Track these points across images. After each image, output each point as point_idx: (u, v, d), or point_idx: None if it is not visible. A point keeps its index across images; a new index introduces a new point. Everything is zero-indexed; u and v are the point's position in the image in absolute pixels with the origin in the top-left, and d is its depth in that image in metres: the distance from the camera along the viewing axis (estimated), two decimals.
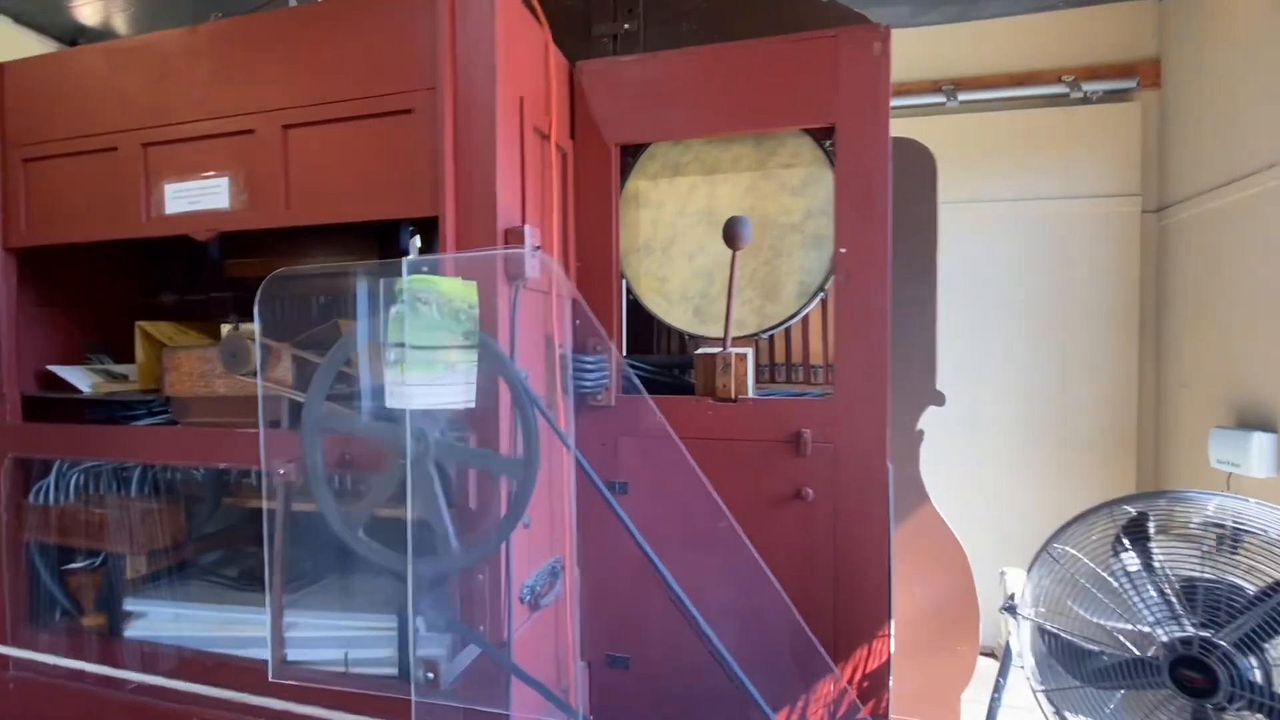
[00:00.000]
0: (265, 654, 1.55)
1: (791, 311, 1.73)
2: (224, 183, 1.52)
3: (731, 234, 1.60)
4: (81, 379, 1.82)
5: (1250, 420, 2.86)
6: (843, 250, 1.58)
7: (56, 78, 1.66)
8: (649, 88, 1.69)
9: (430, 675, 1.21)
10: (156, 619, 1.69)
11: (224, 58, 1.51)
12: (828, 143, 1.67)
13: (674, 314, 1.82)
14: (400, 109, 1.38)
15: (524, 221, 1.41)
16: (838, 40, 1.56)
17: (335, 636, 1.52)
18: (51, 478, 1.75)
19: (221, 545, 1.88)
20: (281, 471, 1.27)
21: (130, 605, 1.70)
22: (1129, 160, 3.60)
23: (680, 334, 1.91)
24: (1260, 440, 2.71)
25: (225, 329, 1.60)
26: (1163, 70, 3.59)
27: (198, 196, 1.54)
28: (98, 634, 1.72)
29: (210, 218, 1.53)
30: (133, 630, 1.69)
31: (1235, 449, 2.81)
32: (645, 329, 2.05)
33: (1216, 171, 3.15)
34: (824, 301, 1.88)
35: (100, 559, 1.76)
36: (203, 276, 2.13)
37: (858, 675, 1.58)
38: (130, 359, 2.07)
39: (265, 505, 1.37)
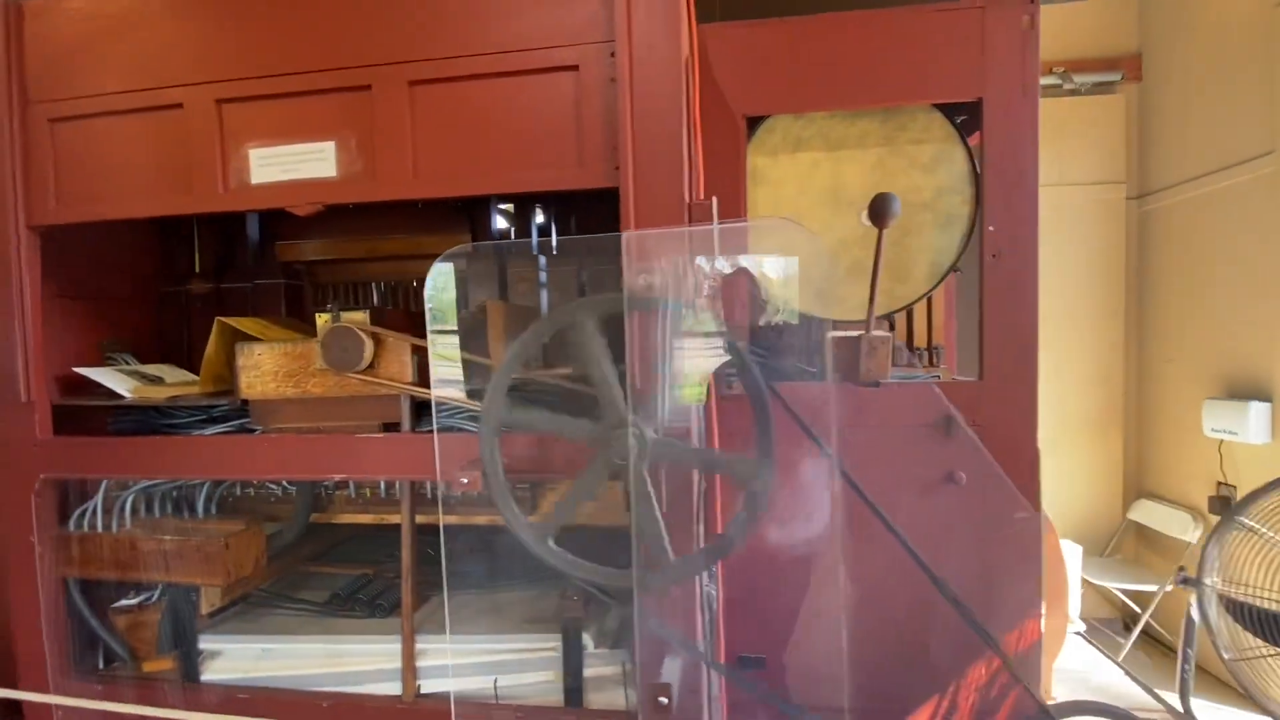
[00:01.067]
0: (389, 688, 1.37)
1: (921, 292, 1.69)
2: (329, 147, 1.30)
3: (880, 211, 1.53)
4: (115, 382, 1.54)
5: (1241, 391, 3.11)
6: (991, 228, 1.55)
7: (93, 18, 1.37)
8: (783, 54, 1.58)
9: (665, 700, 1.08)
10: (238, 658, 1.46)
11: None
12: (959, 118, 1.64)
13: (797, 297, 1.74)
14: (563, 65, 1.22)
15: (702, 196, 1.28)
16: (985, 12, 1.51)
17: (477, 663, 1.36)
18: (98, 501, 1.47)
19: (311, 567, 1.65)
20: (465, 481, 1.10)
21: (207, 643, 1.46)
22: (1114, 149, 3.82)
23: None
24: (1257, 409, 2.94)
25: (323, 319, 1.39)
26: (1143, 64, 3.82)
27: (294, 164, 1.31)
28: (164, 679, 1.46)
29: (313, 188, 1.31)
30: (213, 673, 1.45)
31: (1231, 418, 3.04)
32: None
33: (1198, 160, 3.39)
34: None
35: (156, 593, 1.50)
36: (239, 260, 1.86)
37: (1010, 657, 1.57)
38: (152, 357, 1.78)
39: (441, 519, 1.19)
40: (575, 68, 1.21)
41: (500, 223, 1.73)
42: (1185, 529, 3.20)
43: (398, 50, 1.26)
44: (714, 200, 1.22)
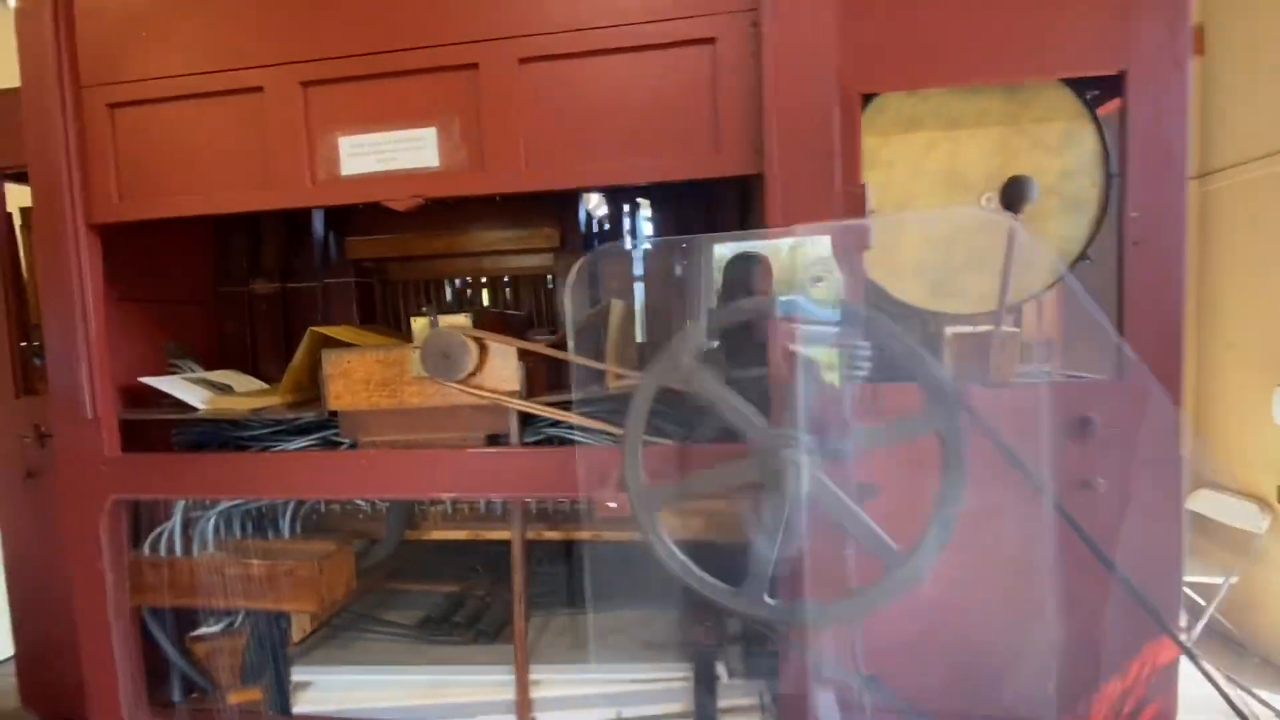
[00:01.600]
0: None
1: (1047, 282, 1.57)
2: (430, 134, 1.17)
3: (1015, 195, 1.41)
4: (185, 392, 1.42)
5: None
6: (1134, 214, 1.42)
7: None
8: (899, 26, 1.45)
9: None
10: (331, 688, 1.35)
11: None
12: (1089, 94, 1.51)
13: (904, 288, 1.62)
14: (696, 38, 1.09)
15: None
16: None
17: (597, 694, 1.26)
18: (175, 523, 1.36)
19: (395, 584, 1.54)
20: (612, 505, 0.99)
21: (301, 674, 1.36)
22: None
23: None
24: None
25: (419, 323, 1.27)
26: (1204, 37, 3.66)
27: (391, 152, 1.18)
28: (253, 711, 1.36)
29: (414, 180, 1.18)
30: (306, 704, 1.34)
31: None
32: None
33: (1264, 138, 3.25)
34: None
35: (239, 618, 1.40)
36: (304, 258, 1.73)
37: (1145, 671, 1.47)
38: (213, 361, 1.67)
39: (587, 537, 1.08)
40: (711, 40, 1.08)
41: (591, 214, 1.60)
42: (1253, 520, 3.11)
43: (507, 24, 1.13)
44: (867, 185, 1.10)
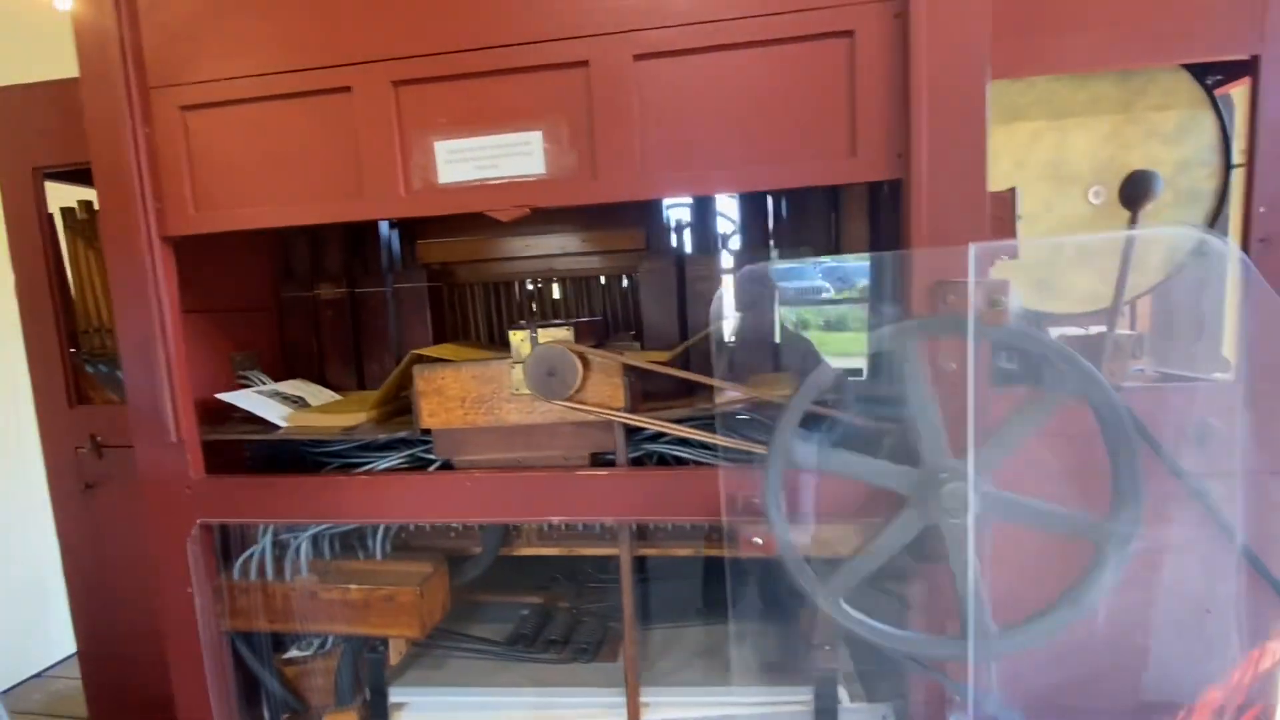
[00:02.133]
0: None
1: (1157, 280, 1.50)
2: (535, 138, 1.09)
3: (1138, 190, 1.33)
4: (264, 408, 1.36)
5: None
6: (1261, 209, 1.34)
7: None
8: (1012, 10, 1.35)
9: None
10: (428, 709, 1.32)
11: None
12: (1209, 79, 1.41)
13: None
14: (833, 30, 1.00)
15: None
16: None
17: (707, 716, 1.23)
18: (266, 546, 1.31)
19: (477, 595, 1.50)
20: (757, 541, 0.94)
21: (397, 695, 1.33)
22: None
23: None
24: None
25: (517, 337, 1.20)
26: None
27: (493, 158, 1.10)
28: None
29: (518, 189, 1.10)
30: None
31: None
32: None
33: None
34: None
35: (329, 641, 1.36)
36: (371, 261, 1.66)
37: (1248, 677, 1.45)
38: (277, 370, 1.60)
39: (728, 554, 1.03)
40: (849, 34, 0.99)
41: (677, 216, 1.52)
42: None
43: (620, 17, 1.03)
44: (1016, 190, 1.02)
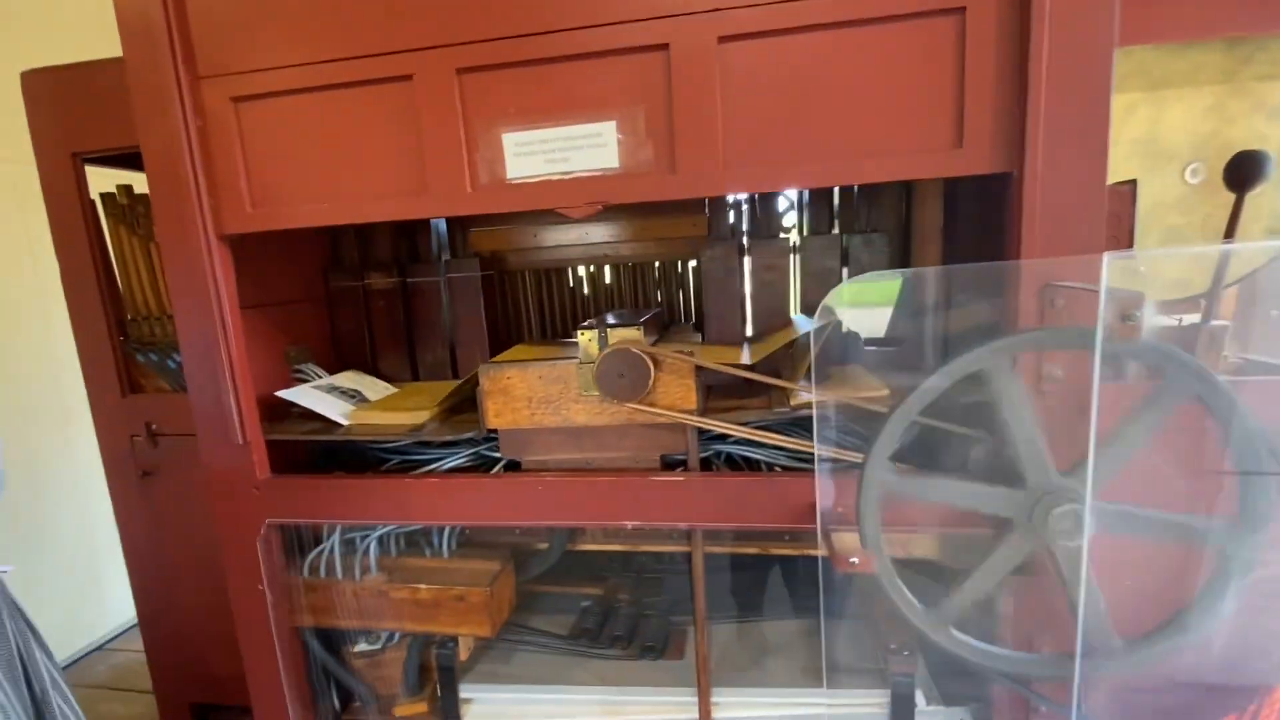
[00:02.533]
0: None
1: (1253, 266, 1.41)
2: (609, 129, 1.02)
3: (1246, 172, 1.23)
4: (325, 406, 1.34)
5: None
6: None
7: None
8: None
9: None
10: (496, 704, 1.34)
11: None
12: None
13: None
14: (939, 8, 0.91)
15: None
16: None
17: (779, 716, 1.22)
18: (335, 544, 1.31)
19: (537, 586, 1.50)
20: (853, 561, 0.91)
21: (465, 691, 1.34)
22: None
23: None
24: None
25: (585, 336, 1.16)
26: None
27: (563, 152, 1.04)
28: None
29: (591, 185, 1.04)
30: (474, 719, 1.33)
31: None
32: None
33: None
34: None
35: (394, 635, 1.37)
36: (422, 249, 1.61)
37: None
38: (329, 362, 1.58)
39: (820, 556, 1.00)
40: (961, 10, 0.90)
41: (740, 199, 1.45)
42: None
43: None
44: (1137, 182, 0.95)
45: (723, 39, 0.96)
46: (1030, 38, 0.88)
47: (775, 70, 0.96)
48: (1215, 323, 1.36)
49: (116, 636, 2.47)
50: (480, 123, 1.05)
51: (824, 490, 0.97)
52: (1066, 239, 0.91)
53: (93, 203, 1.73)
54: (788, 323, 1.39)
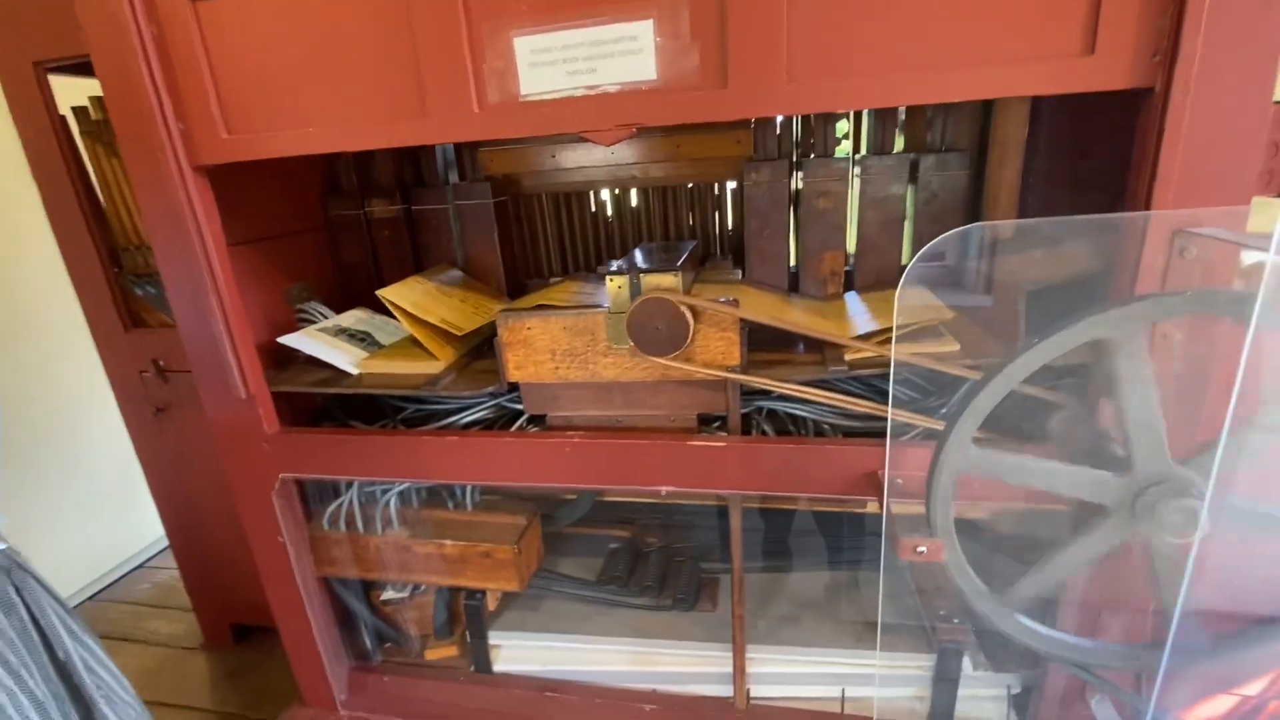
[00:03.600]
0: (709, 689, 1.23)
1: None
2: (645, 30, 0.83)
3: None
4: (333, 353, 1.23)
5: None
6: None
7: None
8: None
9: None
10: (526, 649, 1.33)
11: None
12: None
13: None
14: None
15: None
16: None
17: (816, 673, 1.19)
18: (354, 497, 1.25)
19: (563, 528, 1.46)
20: (921, 550, 0.81)
21: (495, 638, 1.33)
22: None
23: None
24: None
25: (615, 283, 1.02)
26: None
27: (589, 60, 0.85)
28: (450, 665, 1.36)
29: (623, 102, 0.86)
30: (505, 663, 1.33)
31: None
32: None
33: None
34: None
35: (419, 585, 1.34)
36: (427, 174, 1.44)
37: None
38: (336, 299, 1.46)
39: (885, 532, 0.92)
40: None
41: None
42: None
43: None
44: None
45: None
46: None
47: None
48: None
49: (157, 555, 2.55)
50: (487, 23, 0.86)
51: (894, 462, 0.86)
52: (1216, 176, 0.73)
53: (63, 119, 1.56)
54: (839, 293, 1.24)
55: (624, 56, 0.84)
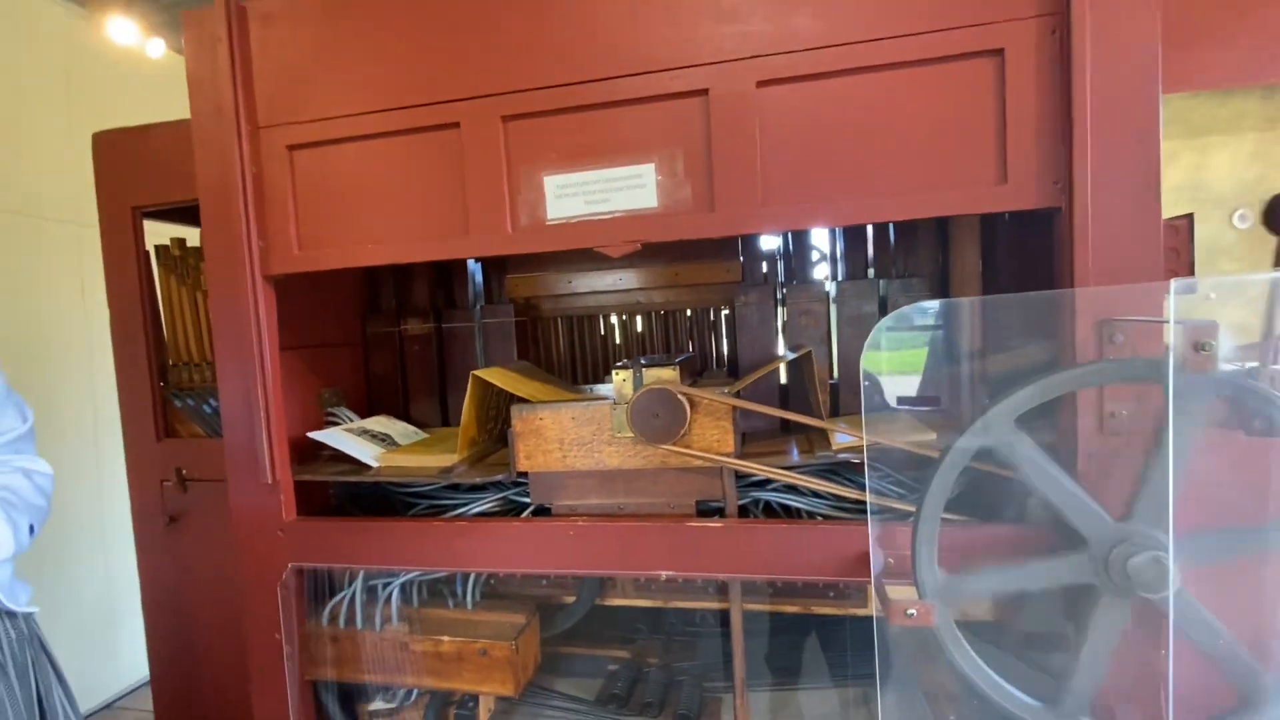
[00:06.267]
0: None
1: None
2: (648, 171, 1.04)
3: None
4: (355, 448, 1.32)
5: None
6: None
7: (338, 18, 1.13)
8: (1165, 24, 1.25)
9: None
10: None
11: None
12: None
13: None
14: (978, 50, 0.92)
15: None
16: None
17: None
18: (357, 590, 1.26)
19: (563, 647, 1.42)
20: (910, 613, 0.84)
21: None
22: None
23: None
24: None
25: (620, 376, 1.14)
26: None
27: (603, 193, 1.06)
28: None
29: (629, 224, 1.05)
30: None
31: None
32: None
33: None
34: None
35: (411, 693, 1.30)
36: (458, 296, 1.63)
37: None
38: (361, 404, 1.58)
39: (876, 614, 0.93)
40: (998, 52, 0.92)
41: (774, 245, 1.45)
42: None
43: (744, 43, 0.98)
44: (1193, 218, 0.92)
45: (761, 83, 0.98)
46: (1073, 80, 0.88)
47: (814, 111, 0.98)
48: (1277, 367, 1.29)
49: (127, 694, 2.40)
50: (523, 167, 1.08)
51: (877, 538, 0.91)
52: (1121, 275, 0.88)
53: (147, 254, 1.80)
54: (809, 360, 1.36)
55: (631, 190, 1.04)
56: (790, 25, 0.97)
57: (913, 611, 0.82)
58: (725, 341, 1.56)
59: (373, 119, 1.12)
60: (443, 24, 1.08)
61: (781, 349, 1.44)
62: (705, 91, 1.00)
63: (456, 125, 1.08)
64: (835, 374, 1.41)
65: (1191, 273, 1.03)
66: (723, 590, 1.20)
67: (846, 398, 1.38)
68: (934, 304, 1.27)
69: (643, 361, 1.15)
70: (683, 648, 1.48)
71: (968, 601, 0.95)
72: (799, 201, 0.99)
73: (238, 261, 1.18)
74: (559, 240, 1.07)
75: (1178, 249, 0.94)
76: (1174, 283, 0.77)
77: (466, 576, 1.29)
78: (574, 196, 1.06)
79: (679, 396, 1.09)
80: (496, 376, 1.23)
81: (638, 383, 1.13)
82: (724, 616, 1.24)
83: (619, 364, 1.17)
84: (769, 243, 1.48)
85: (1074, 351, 0.89)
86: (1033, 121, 0.91)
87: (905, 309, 1.05)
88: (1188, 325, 0.74)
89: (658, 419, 1.10)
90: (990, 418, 0.79)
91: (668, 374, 1.13)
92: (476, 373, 1.26)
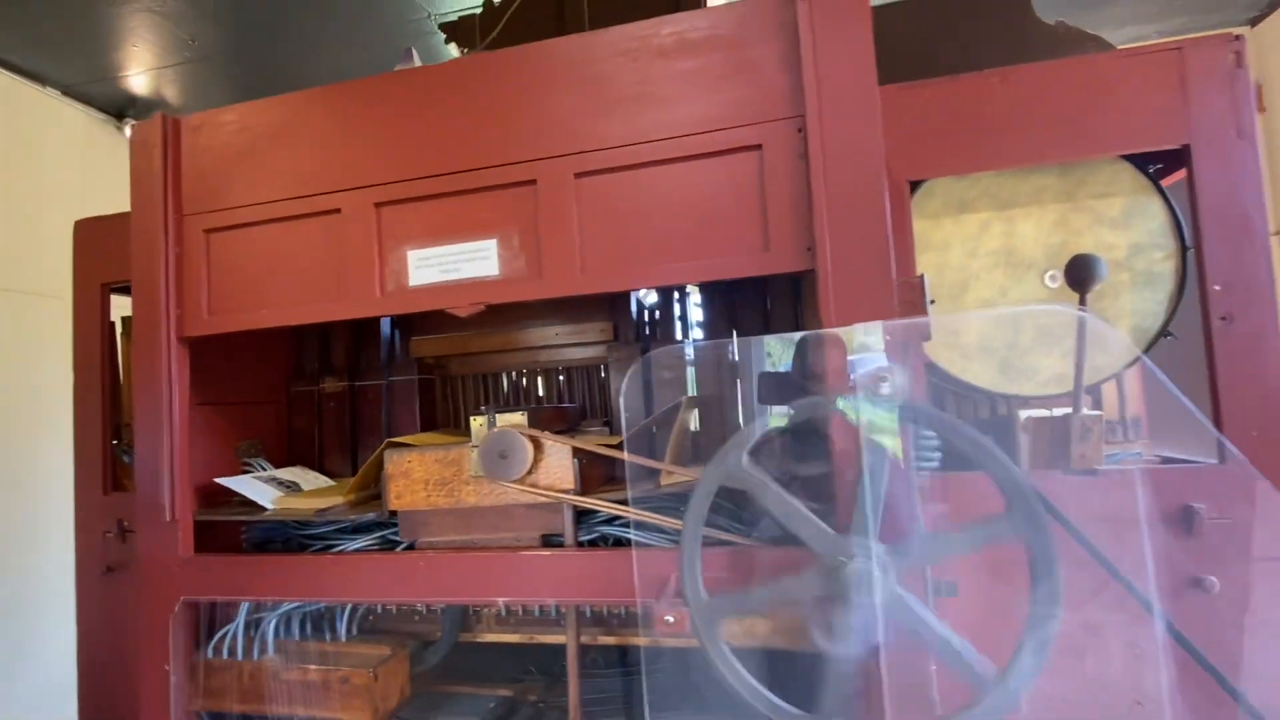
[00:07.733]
0: None
1: (1124, 362, 1.48)
2: (491, 246, 1.23)
3: (1081, 274, 1.36)
4: (256, 492, 1.47)
5: None
6: (1216, 288, 1.35)
7: (249, 129, 1.38)
8: (948, 114, 1.47)
9: None
10: None
11: (485, 96, 1.25)
12: (1153, 167, 1.47)
13: (971, 370, 1.56)
14: (744, 145, 1.12)
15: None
16: (1183, 54, 1.37)
17: None
18: (239, 624, 1.38)
19: (443, 686, 1.49)
20: (670, 620, 0.95)
21: None
22: None
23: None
24: None
25: (477, 422, 1.29)
26: (1265, 94, 3.59)
27: (455, 263, 1.25)
28: None
29: (475, 288, 1.23)
30: None
31: None
32: None
33: None
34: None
35: None
36: (370, 358, 1.82)
37: None
38: (281, 456, 1.73)
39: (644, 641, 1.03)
40: (758, 147, 1.12)
41: (644, 308, 1.63)
42: None
43: (564, 142, 1.20)
44: (924, 277, 1.08)
45: (578, 175, 1.19)
46: (811, 167, 1.07)
47: (621, 196, 1.18)
48: (1087, 413, 1.42)
49: None
50: (391, 243, 1.28)
51: (642, 560, 1.03)
52: (859, 321, 1.03)
53: (112, 324, 2.02)
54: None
55: (478, 260, 1.24)
56: (600, 128, 1.18)
57: (670, 618, 0.93)
58: (610, 395, 1.72)
59: (272, 206, 1.34)
60: (329, 131, 1.32)
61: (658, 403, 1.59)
62: (534, 182, 1.21)
63: (338, 211, 1.30)
64: (697, 424, 1.55)
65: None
66: (579, 624, 1.29)
67: (706, 446, 1.52)
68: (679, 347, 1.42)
69: (495, 409, 1.31)
70: (564, 685, 1.54)
71: (735, 617, 1.05)
72: (610, 268, 1.17)
73: (156, 325, 1.37)
74: (418, 302, 1.26)
75: (912, 302, 1.09)
76: (882, 323, 0.92)
77: (344, 612, 1.39)
78: (431, 266, 1.26)
79: (521, 438, 1.23)
80: (410, 439, 1.39)
81: (491, 426, 1.28)
82: (622, 652, 1.32)
83: (477, 410, 1.32)
84: (642, 304, 1.66)
85: (825, 388, 1.03)
86: (787, 200, 1.10)
87: (655, 352, 1.21)
88: (870, 365, 0.89)
89: (504, 459, 1.24)
90: (726, 450, 0.92)
91: (516, 418, 1.28)
92: (391, 441, 1.41)
